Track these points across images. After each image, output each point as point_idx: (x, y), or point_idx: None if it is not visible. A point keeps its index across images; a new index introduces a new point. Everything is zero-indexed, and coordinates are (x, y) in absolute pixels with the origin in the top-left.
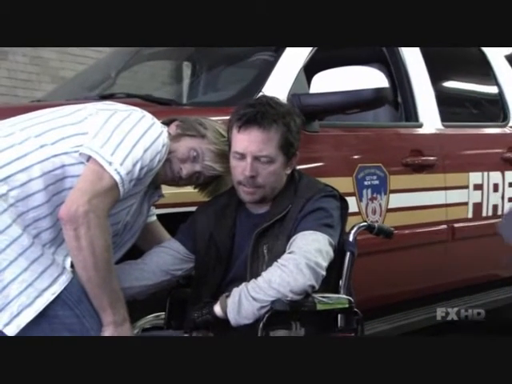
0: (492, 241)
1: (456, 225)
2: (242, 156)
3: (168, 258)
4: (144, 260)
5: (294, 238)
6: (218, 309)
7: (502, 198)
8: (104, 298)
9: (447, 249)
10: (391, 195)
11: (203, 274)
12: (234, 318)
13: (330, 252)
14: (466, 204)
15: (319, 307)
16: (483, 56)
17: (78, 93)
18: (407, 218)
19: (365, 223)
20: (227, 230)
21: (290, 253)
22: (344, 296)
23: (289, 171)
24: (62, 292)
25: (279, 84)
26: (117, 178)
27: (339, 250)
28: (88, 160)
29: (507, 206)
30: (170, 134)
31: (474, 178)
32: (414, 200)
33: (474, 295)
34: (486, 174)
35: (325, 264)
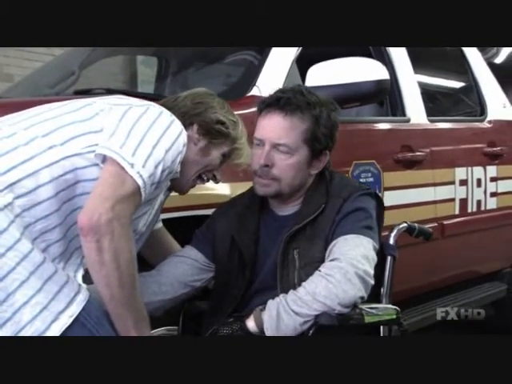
0: (476, 237)
1: (445, 222)
2: (261, 142)
3: (186, 267)
4: (160, 272)
5: (334, 242)
6: (251, 324)
7: (485, 192)
8: (128, 318)
9: (437, 247)
10: (385, 193)
11: (224, 284)
12: (272, 335)
13: (374, 257)
14: (453, 200)
15: (367, 320)
16: (460, 51)
17: (40, 89)
18: (401, 216)
19: (405, 224)
20: (251, 234)
21: (333, 260)
22: (391, 306)
23: (315, 171)
24: (79, 313)
25: (272, 77)
26: (139, 181)
27: (379, 254)
28: (103, 161)
29: (490, 200)
30: (192, 141)
31: (460, 173)
32: (406, 197)
33: (456, 294)
34: (469, 169)
35: (372, 271)
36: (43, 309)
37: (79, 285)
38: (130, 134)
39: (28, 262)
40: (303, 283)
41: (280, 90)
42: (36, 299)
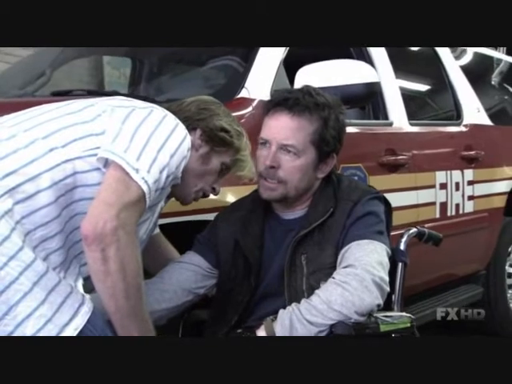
0: (455, 240)
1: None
2: (267, 143)
3: (190, 274)
4: (163, 279)
5: (346, 248)
6: (262, 335)
7: (463, 196)
8: (133, 330)
9: (418, 250)
10: None
11: (228, 291)
12: None
13: (388, 263)
14: (434, 204)
15: (383, 328)
16: (436, 55)
17: (8, 91)
18: None
19: (415, 229)
20: (255, 238)
21: (347, 267)
22: (405, 314)
23: (321, 175)
24: (84, 326)
25: (261, 79)
26: (145, 187)
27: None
28: (105, 166)
29: (467, 204)
30: (193, 146)
31: (440, 177)
32: (391, 201)
33: (435, 297)
34: (449, 172)
35: (388, 278)
36: (47, 321)
37: (82, 295)
38: (133, 138)
39: (31, 271)
40: (317, 291)
41: (287, 91)
42: (40, 311)
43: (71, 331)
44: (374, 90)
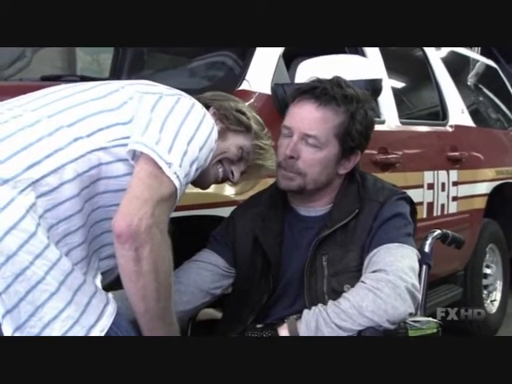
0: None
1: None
2: (289, 131)
3: (207, 274)
4: (179, 280)
5: (374, 251)
6: (284, 333)
7: (448, 197)
8: (160, 333)
9: None
10: None
11: (245, 290)
12: None
13: (418, 268)
14: (421, 204)
15: (411, 334)
16: (424, 55)
17: None
18: None
19: (439, 231)
20: (275, 234)
21: (376, 271)
22: (432, 319)
23: (343, 171)
24: (110, 327)
25: (262, 71)
26: (177, 182)
27: None
28: (133, 158)
29: (452, 204)
30: None
31: (428, 177)
32: None
33: None
34: (436, 172)
35: (418, 284)
36: (75, 323)
37: (106, 294)
38: (163, 128)
39: (57, 270)
40: (345, 294)
41: (317, 80)
42: (67, 312)
43: (97, 333)
44: (378, 87)
